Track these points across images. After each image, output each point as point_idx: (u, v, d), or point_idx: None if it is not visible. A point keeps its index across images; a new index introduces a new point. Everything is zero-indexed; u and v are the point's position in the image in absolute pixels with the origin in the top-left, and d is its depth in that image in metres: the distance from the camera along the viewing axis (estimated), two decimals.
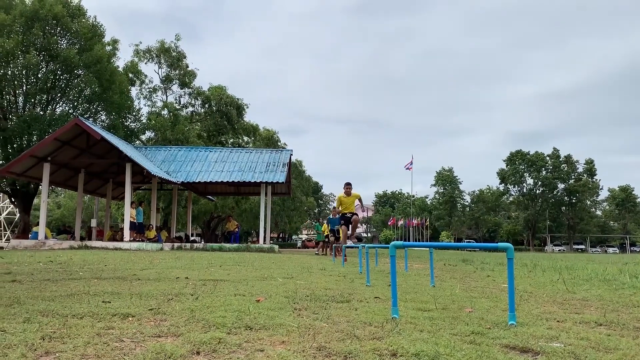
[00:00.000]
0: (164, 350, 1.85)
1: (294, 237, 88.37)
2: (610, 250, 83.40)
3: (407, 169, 63.71)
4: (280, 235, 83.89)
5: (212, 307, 2.84)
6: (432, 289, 4.50)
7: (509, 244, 2.48)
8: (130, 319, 2.59)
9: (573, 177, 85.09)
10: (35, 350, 1.89)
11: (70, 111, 26.30)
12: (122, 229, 23.18)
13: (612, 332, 2.53)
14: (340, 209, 11.88)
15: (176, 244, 22.68)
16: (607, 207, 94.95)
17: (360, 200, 11.73)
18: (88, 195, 34.44)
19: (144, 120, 31.34)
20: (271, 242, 46.85)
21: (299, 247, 79.74)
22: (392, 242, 2.63)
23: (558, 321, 2.84)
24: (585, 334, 2.38)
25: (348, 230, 12.02)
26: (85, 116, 26.89)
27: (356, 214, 11.59)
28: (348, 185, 11.53)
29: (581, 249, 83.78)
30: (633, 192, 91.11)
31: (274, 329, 2.29)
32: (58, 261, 8.80)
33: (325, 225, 19.41)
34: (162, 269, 6.89)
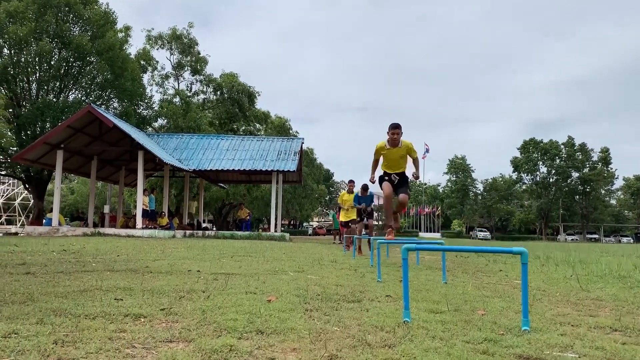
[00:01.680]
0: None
1: (304, 224, 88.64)
2: (625, 240, 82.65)
3: (422, 157, 63.67)
4: (291, 223, 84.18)
5: (223, 308, 2.84)
6: (444, 286, 4.47)
7: (523, 249, 2.45)
8: (142, 319, 2.60)
9: (587, 165, 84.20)
10: (49, 356, 1.89)
11: (82, 98, 26.42)
12: (134, 215, 23.36)
13: (628, 339, 2.49)
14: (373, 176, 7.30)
15: (188, 232, 22.85)
16: (622, 196, 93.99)
17: (414, 154, 6.94)
18: (101, 182, 34.66)
19: (156, 108, 31.41)
20: (282, 229, 47.07)
21: (309, 235, 79.99)
22: (405, 246, 2.61)
23: (572, 325, 2.81)
24: (600, 342, 2.35)
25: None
26: (98, 103, 27.00)
27: (406, 188, 6.89)
28: (395, 129, 6.59)
29: (595, 238, 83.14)
30: None
31: (285, 334, 2.28)
32: (71, 250, 8.88)
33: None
34: (173, 260, 6.92)
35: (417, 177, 6.94)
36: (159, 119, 32.08)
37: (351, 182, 13.52)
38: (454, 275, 5.89)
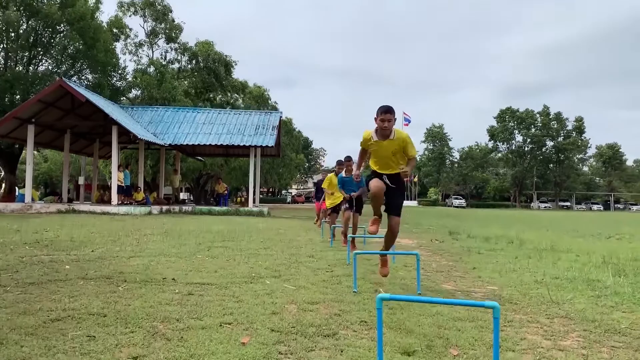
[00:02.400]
0: None
1: (283, 192, 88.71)
2: (595, 207, 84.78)
3: (403, 125, 63.89)
4: (270, 191, 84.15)
5: (195, 356, 2.82)
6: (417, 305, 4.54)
7: (495, 303, 2.46)
8: None
9: (562, 134, 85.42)
10: None
11: (54, 70, 25.65)
12: (110, 186, 23.01)
13: None
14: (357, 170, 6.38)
15: (165, 207, 22.67)
16: (594, 164, 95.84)
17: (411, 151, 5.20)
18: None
19: (130, 79, 30.69)
20: (261, 196, 47.04)
21: (288, 203, 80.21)
22: (379, 295, 2.60)
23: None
24: None
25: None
26: (70, 74, 26.28)
27: (400, 203, 5.33)
28: (386, 113, 4.98)
29: (567, 206, 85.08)
30: (620, 150, 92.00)
31: None
32: (44, 241, 8.73)
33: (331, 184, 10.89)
34: (149, 258, 6.86)
35: (405, 176, 5.01)
36: (133, 90, 31.39)
37: (342, 163, 9.65)
38: (428, 273, 5.96)
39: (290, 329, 3.36)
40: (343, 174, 9.21)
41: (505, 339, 3.37)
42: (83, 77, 27.05)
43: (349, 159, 9.12)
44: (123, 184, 21.43)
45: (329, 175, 11.15)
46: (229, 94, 40.58)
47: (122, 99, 30.12)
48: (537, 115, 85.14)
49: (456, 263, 7.42)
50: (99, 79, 26.88)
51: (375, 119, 5.00)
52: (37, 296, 4.34)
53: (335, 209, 10.70)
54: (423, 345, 3.11)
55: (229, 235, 11.07)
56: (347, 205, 9.03)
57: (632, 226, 22.10)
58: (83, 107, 21.21)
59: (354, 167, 6.12)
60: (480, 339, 3.33)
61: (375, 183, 5.04)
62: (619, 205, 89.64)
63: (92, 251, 7.53)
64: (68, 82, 19.95)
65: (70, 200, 24.49)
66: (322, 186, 11.51)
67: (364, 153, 5.42)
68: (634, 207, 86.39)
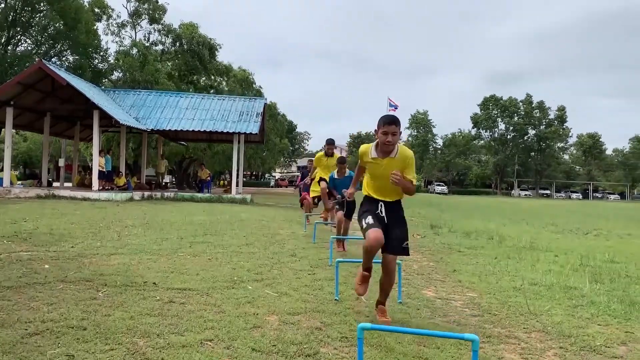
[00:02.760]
0: None
1: (267, 175, 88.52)
2: (574, 195, 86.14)
3: (389, 111, 63.92)
4: (253, 174, 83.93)
5: None
6: (396, 317, 4.57)
7: (474, 336, 2.49)
8: None
9: (544, 123, 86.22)
10: None
11: (33, 50, 25.11)
12: (91, 167, 22.69)
13: None
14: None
15: (146, 193, 22.49)
16: (574, 152, 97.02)
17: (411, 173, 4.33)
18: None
19: (112, 60, 30.18)
20: (244, 179, 46.79)
21: (271, 186, 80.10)
22: (360, 325, 2.62)
23: None
24: None
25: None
26: (50, 55, 25.75)
27: (403, 240, 4.31)
28: (390, 125, 4.16)
29: (546, 194, 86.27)
30: (600, 140, 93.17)
31: None
32: (23, 234, 8.62)
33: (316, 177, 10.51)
34: (130, 256, 6.81)
35: (395, 180, 4.01)
36: (115, 72, 30.89)
37: (332, 142, 10.17)
38: (408, 279, 6.00)
39: (272, 348, 3.37)
40: (335, 174, 8.59)
41: (484, 358, 3.42)
42: (64, 58, 26.56)
43: (342, 160, 8.69)
44: (104, 169, 21.18)
45: (318, 154, 10.32)
46: (212, 78, 40.16)
47: (103, 81, 29.65)
48: (520, 103, 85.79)
49: (437, 264, 7.49)
50: (80, 61, 26.39)
51: (376, 131, 4.20)
52: (15, 303, 4.29)
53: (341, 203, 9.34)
54: None
55: (211, 227, 11.03)
56: (337, 206, 8.41)
57: (609, 219, 22.49)
58: (64, 89, 20.84)
59: (351, 185, 5.27)
60: (459, 358, 3.37)
61: (374, 234, 4.04)
62: (597, 194, 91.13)
63: (72, 247, 7.45)
64: (48, 65, 19.57)
65: (50, 184, 24.19)
66: (313, 165, 10.45)
67: (361, 171, 4.68)
68: (612, 196, 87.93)
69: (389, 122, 4.15)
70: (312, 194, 10.99)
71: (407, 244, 4.30)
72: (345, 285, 5.49)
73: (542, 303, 5.07)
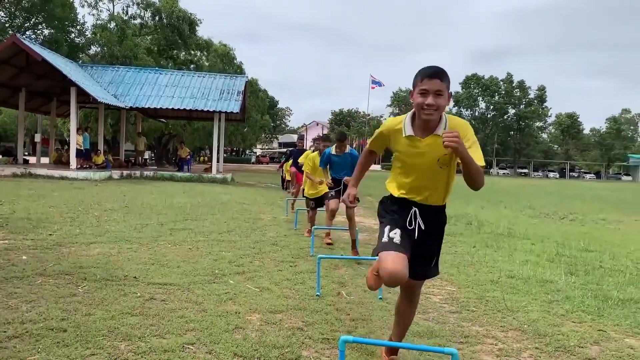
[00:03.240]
0: None
1: (247, 152, 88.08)
2: (551, 174, 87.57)
3: (373, 87, 63.94)
4: (234, 150, 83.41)
5: None
6: (375, 320, 4.62)
7: (454, 350, 2.54)
8: None
9: (524, 102, 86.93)
10: None
11: (6, 23, 24.37)
12: (68, 143, 22.29)
13: None
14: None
15: (125, 172, 22.24)
16: (553, 131, 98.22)
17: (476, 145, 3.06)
18: None
19: (89, 35, 29.46)
20: (225, 155, 46.47)
21: (252, 163, 79.79)
22: (342, 337, 2.64)
23: None
24: None
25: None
26: (25, 27, 25.02)
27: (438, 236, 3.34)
28: (434, 77, 2.76)
29: (524, 173, 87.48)
30: (578, 119, 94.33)
31: None
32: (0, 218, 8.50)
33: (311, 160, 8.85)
34: (109, 246, 6.76)
35: (452, 142, 2.73)
36: (92, 47, 30.18)
37: (325, 139, 8.57)
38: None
39: (253, 352, 3.39)
40: (333, 150, 7.27)
41: None
42: (39, 32, 25.84)
43: (343, 136, 7.47)
44: (82, 148, 20.85)
45: (310, 155, 8.85)
46: (193, 53, 39.54)
47: (80, 56, 28.97)
48: (501, 82, 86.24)
49: None
50: (55, 35, 25.72)
51: (412, 92, 2.84)
52: None
53: (319, 203, 8.43)
54: None
55: (192, 212, 10.98)
56: (332, 193, 7.38)
57: (585, 201, 22.92)
58: (39, 65, 20.32)
59: (351, 181, 3.41)
60: None
61: (392, 266, 2.69)
62: (573, 174, 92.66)
63: (50, 234, 7.36)
64: (23, 39, 19.03)
65: (26, 162, 23.76)
66: (304, 169, 9.03)
67: (371, 157, 3.39)
68: (588, 176, 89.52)
69: (430, 75, 2.72)
70: (309, 194, 8.70)
71: (437, 261, 3.13)
72: (327, 279, 5.53)
73: (518, 298, 5.17)
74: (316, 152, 8.66)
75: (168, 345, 3.43)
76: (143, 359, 3.22)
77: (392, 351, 3.21)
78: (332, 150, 7.34)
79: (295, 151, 13.15)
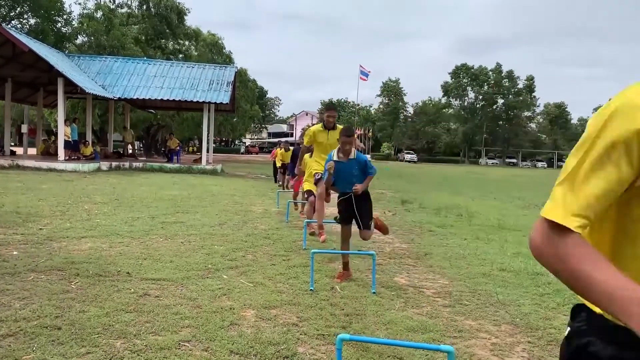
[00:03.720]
0: None
1: (237, 142, 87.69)
2: (539, 164, 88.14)
3: (362, 78, 63.86)
4: (224, 140, 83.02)
5: None
6: (369, 315, 4.65)
7: (450, 347, 2.56)
8: None
9: (513, 92, 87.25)
10: None
11: None
12: (56, 137, 22.04)
13: None
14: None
15: (114, 163, 22.08)
16: (541, 121, 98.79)
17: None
18: None
19: (75, 24, 29.07)
20: (214, 145, 46.30)
21: (242, 153, 79.44)
22: (340, 336, 2.66)
23: None
24: None
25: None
26: (10, 16, 24.64)
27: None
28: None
29: (513, 162, 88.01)
30: (566, 110, 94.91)
31: None
32: None
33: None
34: (101, 240, 6.72)
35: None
36: (79, 37, 29.80)
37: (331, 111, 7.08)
38: (383, 272, 6.09)
39: (249, 350, 3.40)
40: (335, 155, 5.46)
41: (456, 355, 3.52)
42: (24, 21, 25.44)
43: (349, 130, 5.51)
44: (70, 139, 20.65)
45: (313, 128, 7.25)
46: (181, 42, 39.19)
47: (67, 45, 28.59)
48: (490, 72, 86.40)
49: (409, 246, 7.62)
50: (42, 24, 25.33)
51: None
52: None
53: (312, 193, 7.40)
54: None
55: (182, 204, 10.94)
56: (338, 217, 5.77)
57: None
58: (26, 55, 20.03)
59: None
60: (432, 357, 3.47)
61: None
62: (561, 163, 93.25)
63: (41, 229, 7.31)
64: (8, 30, 18.74)
65: (13, 153, 23.50)
66: (305, 144, 7.43)
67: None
68: None
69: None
70: (306, 186, 7.74)
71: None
72: (320, 273, 5.54)
73: (510, 291, 5.22)
74: (318, 125, 7.19)
75: (164, 343, 3.43)
76: (139, 357, 3.22)
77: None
78: (335, 155, 5.46)
79: (297, 149, 11.72)
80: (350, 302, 4.66)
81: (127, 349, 3.34)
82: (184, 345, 3.44)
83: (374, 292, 4.97)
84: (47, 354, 3.20)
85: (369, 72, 66.89)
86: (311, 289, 4.93)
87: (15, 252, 5.86)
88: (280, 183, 14.88)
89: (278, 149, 15.65)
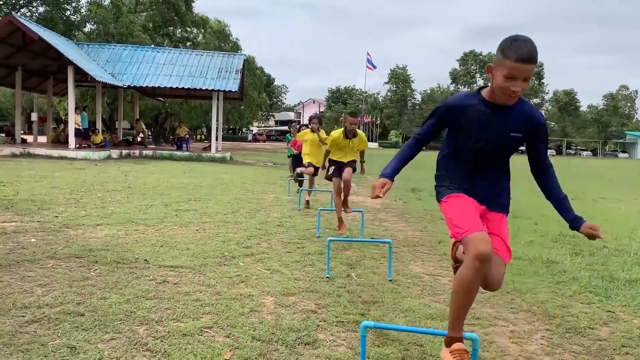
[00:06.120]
0: None
1: (244, 129, 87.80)
2: (548, 152, 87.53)
3: (368, 67, 63.71)
4: (231, 128, 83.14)
5: None
6: (387, 302, 4.67)
7: (475, 335, 2.58)
8: None
9: None
10: None
11: (0, 1, 23.98)
12: (66, 122, 22.12)
13: None
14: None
15: (124, 151, 22.18)
16: (550, 109, 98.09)
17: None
18: None
19: (84, 12, 29.05)
20: (222, 133, 46.50)
21: (249, 141, 79.57)
22: (363, 323, 2.68)
23: None
24: None
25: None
26: (19, 4, 24.67)
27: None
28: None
29: (522, 150, 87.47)
30: (575, 97, 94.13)
31: None
32: (3, 199, 8.51)
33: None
34: (117, 227, 6.78)
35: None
36: (87, 24, 29.79)
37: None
38: (398, 260, 6.11)
39: (271, 336, 3.44)
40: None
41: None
42: (33, 10, 25.45)
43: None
44: (80, 127, 20.74)
45: (334, 135, 7.35)
46: (189, 30, 39.11)
47: (76, 34, 28.60)
48: None
49: (421, 234, 7.63)
50: (51, 12, 25.34)
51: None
52: (7, 285, 4.26)
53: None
54: (400, 357, 3.24)
55: (194, 192, 10.99)
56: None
57: (583, 179, 23.01)
58: (36, 43, 20.09)
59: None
60: None
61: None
62: (570, 151, 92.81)
63: (56, 216, 7.38)
64: (19, 18, 18.78)
65: (24, 141, 23.66)
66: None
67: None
68: (584, 153, 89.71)
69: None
70: (306, 159, 9.27)
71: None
72: (335, 261, 5.57)
73: (526, 279, 5.23)
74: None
75: (186, 329, 3.47)
76: (163, 343, 3.26)
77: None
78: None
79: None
80: (367, 289, 4.68)
81: (150, 335, 3.38)
82: (206, 331, 3.48)
83: (390, 280, 4.99)
84: (73, 340, 3.24)
85: (373, 68, 66.63)
86: (327, 277, 4.96)
87: (33, 240, 5.92)
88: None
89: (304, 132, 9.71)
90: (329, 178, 7.45)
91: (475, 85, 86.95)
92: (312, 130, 9.06)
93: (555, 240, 7.35)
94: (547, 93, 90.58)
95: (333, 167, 7.29)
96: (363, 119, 74.64)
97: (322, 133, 9.07)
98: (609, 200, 13.98)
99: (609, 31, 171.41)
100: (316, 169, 9.14)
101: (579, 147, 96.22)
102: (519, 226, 8.51)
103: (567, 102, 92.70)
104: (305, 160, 9.22)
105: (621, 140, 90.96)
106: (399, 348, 3.38)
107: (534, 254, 6.31)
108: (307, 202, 9.70)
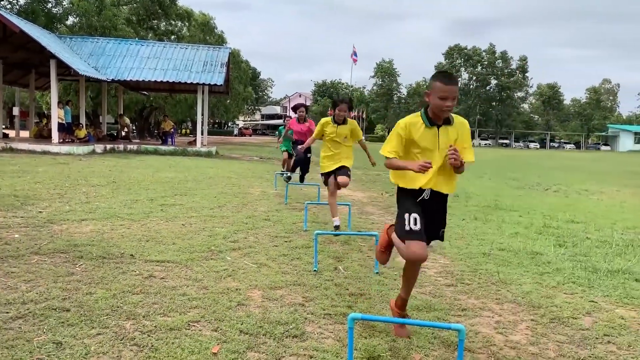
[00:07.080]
0: None
1: (230, 124, 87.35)
2: (532, 145, 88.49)
3: (352, 59, 63.70)
4: (217, 123, 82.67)
5: None
6: (374, 296, 4.69)
7: (461, 326, 2.61)
8: None
9: (506, 73, 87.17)
10: None
11: None
12: (49, 119, 21.85)
13: None
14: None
15: (108, 145, 21.96)
16: (534, 102, 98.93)
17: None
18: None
19: (66, 4, 28.64)
20: (208, 127, 46.25)
21: (235, 135, 79.22)
22: (351, 315, 2.70)
23: None
24: None
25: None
26: None
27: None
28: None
29: (506, 143, 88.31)
30: (559, 90, 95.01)
31: None
32: None
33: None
34: (102, 222, 6.72)
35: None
36: (70, 17, 29.37)
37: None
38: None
39: (259, 329, 3.44)
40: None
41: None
42: (15, 2, 25.03)
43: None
44: (64, 121, 20.49)
45: (323, 120, 7.08)
46: (173, 23, 38.76)
47: (58, 27, 28.19)
48: (484, 53, 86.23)
49: None
50: (32, 5, 24.93)
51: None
52: None
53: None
54: (387, 348, 3.27)
55: (180, 187, 10.93)
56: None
57: (567, 171, 23.28)
58: (17, 36, 19.74)
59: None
60: (439, 335, 3.52)
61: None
62: (554, 144, 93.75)
63: (40, 212, 7.30)
64: None
65: (5, 136, 23.33)
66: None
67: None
68: (568, 146, 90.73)
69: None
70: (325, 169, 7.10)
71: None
72: (323, 254, 5.58)
73: (510, 270, 5.29)
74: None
75: (173, 324, 3.46)
76: (150, 338, 3.25)
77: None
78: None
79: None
80: (354, 282, 4.70)
81: (137, 329, 3.37)
82: (194, 325, 3.48)
83: (376, 273, 5.02)
84: (58, 335, 3.22)
85: (355, 60, 66.76)
86: (315, 270, 4.97)
87: (16, 235, 5.85)
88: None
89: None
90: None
91: (460, 79, 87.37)
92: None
93: (540, 232, 7.43)
94: (531, 87, 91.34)
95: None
96: (349, 112, 74.49)
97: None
98: (591, 192, 14.16)
99: (593, 25, 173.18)
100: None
101: (562, 140, 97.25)
102: (504, 218, 8.60)
103: (550, 96, 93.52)
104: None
105: (603, 133, 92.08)
106: (386, 339, 3.40)
107: (519, 246, 6.38)
108: (289, 177, 9.77)
